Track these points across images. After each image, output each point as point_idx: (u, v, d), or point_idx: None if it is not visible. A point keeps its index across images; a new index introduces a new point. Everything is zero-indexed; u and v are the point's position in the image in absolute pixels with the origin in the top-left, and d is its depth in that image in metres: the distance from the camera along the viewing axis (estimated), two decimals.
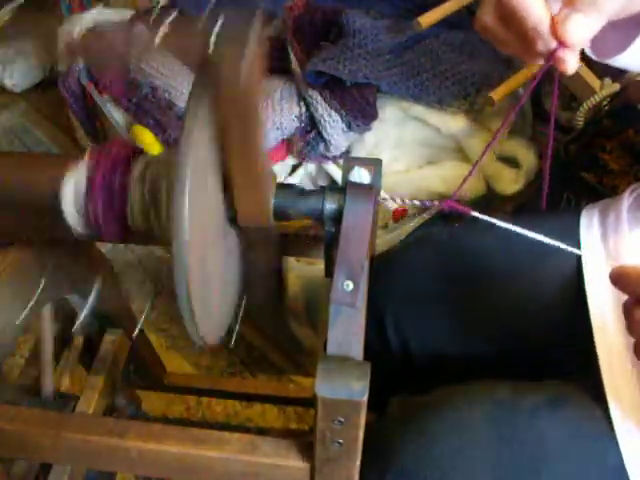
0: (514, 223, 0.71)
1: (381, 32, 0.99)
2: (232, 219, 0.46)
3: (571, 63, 0.40)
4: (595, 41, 0.49)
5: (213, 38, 0.36)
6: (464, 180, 0.45)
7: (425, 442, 0.54)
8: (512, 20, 0.39)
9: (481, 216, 0.44)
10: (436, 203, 0.46)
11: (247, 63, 0.34)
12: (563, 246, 0.45)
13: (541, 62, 0.41)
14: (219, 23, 0.35)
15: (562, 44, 0.38)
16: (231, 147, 0.39)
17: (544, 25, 0.38)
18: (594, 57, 0.50)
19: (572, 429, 0.52)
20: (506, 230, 0.68)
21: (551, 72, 0.51)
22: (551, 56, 0.39)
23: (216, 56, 0.35)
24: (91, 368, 0.77)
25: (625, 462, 0.50)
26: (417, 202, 0.46)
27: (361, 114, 0.97)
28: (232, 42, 0.35)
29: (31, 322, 0.65)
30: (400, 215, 1.01)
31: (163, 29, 0.39)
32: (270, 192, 0.45)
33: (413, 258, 0.71)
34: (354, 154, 1.04)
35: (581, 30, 0.37)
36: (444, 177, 1.05)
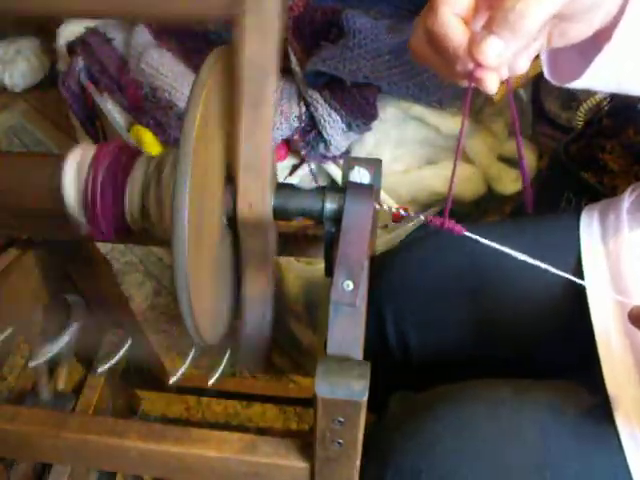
0: (514, 224, 0.71)
1: (381, 32, 0.99)
2: (232, 219, 0.46)
3: (490, 82, 0.41)
4: (552, 67, 0.51)
5: None
6: (450, 187, 0.45)
7: (425, 441, 0.54)
8: (436, 44, 0.41)
9: (473, 236, 0.45)
10: (421, 216, 0.46)
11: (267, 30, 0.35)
12: (549, 268, 0.45)
13: (465, 83, 0.43)
14: None
15: (478, 65, 0.40)
16: (239, 123, 0.39)
17: (462, 47, 0.40)
18: (555, 83, 0.51)
19: (574, 428, 0.52)
20: (506, 231, 0.69)
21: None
22: (470, 76, 0.41)
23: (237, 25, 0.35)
24: (91, 368, 0.77)
25: (629, 462, 0.50)
26: (403, 212, 0.46)
27: (361, 114, 0.97)
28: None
29: (31, 322, 0.65)
30: (400, 215, 1.01)
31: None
32: (271, 188, 0.45)
33: (413, 258, 0.71)
34: (354, 154, 1.04)
35: (495, 51, 0.39)
36: (444, 177, 1.05)
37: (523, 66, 0.45)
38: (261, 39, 0.37)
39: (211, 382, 0.54)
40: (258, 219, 0.45)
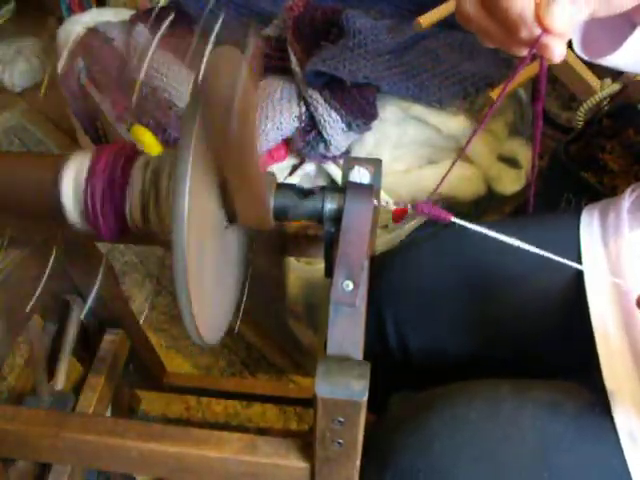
0: (514, 223, 0.71)
1: (381, 32, 0.99)
2: (232, 219, 0.46)
3: (557, 50, 0.39)
4: (586, 40, 0.49)
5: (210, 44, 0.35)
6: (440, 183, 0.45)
7: (425, 440, 0.54)
8: (495, 8, 0.39)
9: (460, 222, 0.44)
10: (409, 205, 0.46)
11: (241, 86, 0.34)
12: (542, 253, 0.45)
13: (526, 52, 0.40)
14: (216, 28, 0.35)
15: (546, 31, 0.37)
16: (226, 151, 0.39)
17: (528, 11, 0.37)
18: (585, 57, 0.49)
19: (574, 427, 0.52)
20: (506, 231, 0.68)
21: (550, 72, 0.51)
22: (535, 44, 0.38)
23: (208, 80, 0.35)
24: (91, 368, 0.77)
25: (627, 460, 0.50)
26: (392, 205, 0.46)
27: (361, 114, 0.97)
28: (225, 65, 0.34)
29: (31, 322, 0.65)
30: (400, 215, 1.01)
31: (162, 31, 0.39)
32: (269, 192, 0.45)
33: (413, 258, 0.71)
34: (354, 154, 1.04)
35: (566, 16, 0.37)
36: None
37: (570, 32, 0.41)
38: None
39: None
40: (258, 219, 0.45)
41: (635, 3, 0.41)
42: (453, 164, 0.44)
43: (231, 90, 0.34)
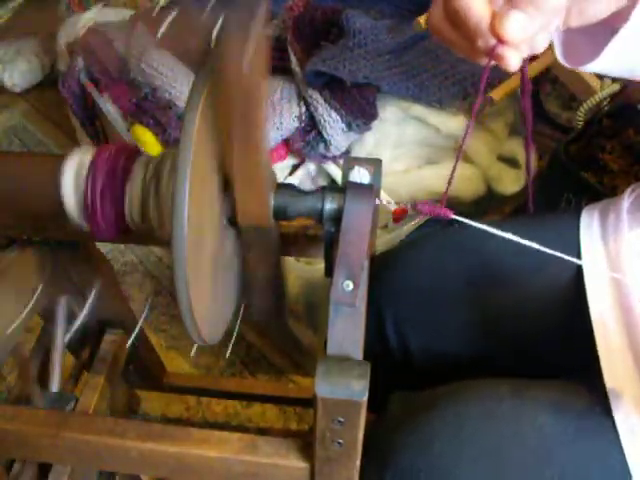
0: (514, 223, 0.71)
1: (381, 32, 0.99)
2: (232, 219, 0.46)
3: (512, 60, 0.40)
4: (569, 48, 0.50)
5: (215, 33, 0.35)
6: (448, 186, 0.45)
7: (425, 440, 0.54)
8: (456, 20, 0.40)
9: (460, 219, 0.44)
10: (408, 205, 0.46)
11: (250, 52, 0.34)
12: (539, 248, 0.45)
13: (485, 61, 0.42)
14: (221, 18, 0.35)
15: (500, 41, 0.39)
16: (232, 143, 0.39)
17: (484, 23, 0.39)
18: (568, 65, 0.50)
19: (574, 426, 0.52)
20: (506, 231, 0.68)
21: (551, 72, 0.51)
22: (491, 53, 0.40)
23: (219, 45, 0.35)
24: (91, 368, 0.77)
25: (627, 459, 0.50)
26: (393, 205, 0.46)
27: (361, 114, 0.97)
28: (235, 31, 0.34)
29: (31, 322, 0.65)
30: (400, 215, 1.01)
31: (164, 27, 0.39)
32: (270, 191, 0.45)
33: (413, 258, 0.71)
34: (354, 154, 1.04)
35: (518, 27, 0.38)
36: (444, 177, 1.05)
37: (542, 44, 0.43)
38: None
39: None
40: (258, 218, 0.45)
41: (609, 12, 0.42)
42: (455, 166, 0.44)
43: (240, 69, 0.34)
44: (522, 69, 0.47)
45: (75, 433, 0.52)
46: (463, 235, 0.69)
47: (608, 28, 0.44)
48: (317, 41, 1.02)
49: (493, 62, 0.41)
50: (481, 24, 0.39)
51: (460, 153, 0.44)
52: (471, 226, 0.45)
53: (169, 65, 1.08)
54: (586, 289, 0.58)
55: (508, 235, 0.44)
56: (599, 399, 0.52)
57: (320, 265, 0.55)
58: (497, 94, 0.97)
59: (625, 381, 0.52)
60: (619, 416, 0.51)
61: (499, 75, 0.99)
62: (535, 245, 0.44)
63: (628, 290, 0.56)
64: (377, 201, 0.46)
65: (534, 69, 1.00)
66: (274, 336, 1.25)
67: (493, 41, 0.39)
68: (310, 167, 1.06)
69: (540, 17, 0.38)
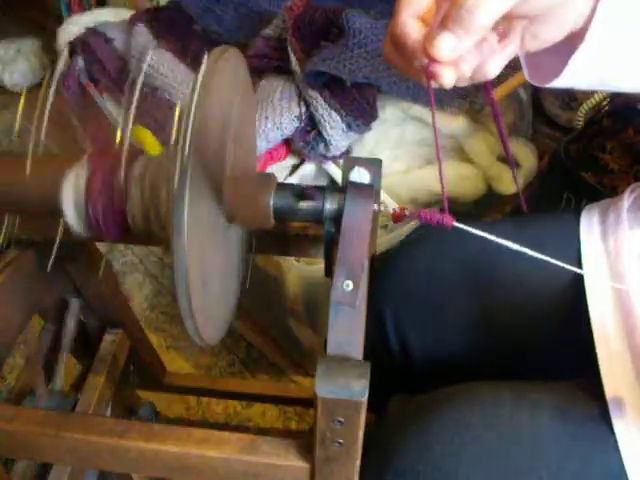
0: (514, 223, 0.71)
1: (381, 32, 0.99)
2: (232, 219, 0.46)
3: (445, 77, 0.43)
4: (531, 69, 0.51)
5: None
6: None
7: (425, 442, 0.54)
8: (398, 45, 0.44)
9: (462, 226, 0.45)
10: (407, 212, 0.46)
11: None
12: (540, 256, 0.45)
13: (425, 81, 0.44)
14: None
15: (432, 60, 0.42)
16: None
17: (418, 44, 0.42)
18: (535, 84, 0.51)
19: (573, 429, 0.52)
20: (506, 231, 0.69)
21: None
22: (426, 71, 0.43)
23: None
24: (91, 368, 0.77)
25: (625, 463, 0.50)
26: (391, 209, 0.46)
27: (361, 114, 0.97)
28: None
29: (31, 322, 0.65)
30: (400, 216, 1.01)
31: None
32: (269, 192, 0.45)
33: (413, 258, 0.71)
34: (354, 154, 1.04)
35: (447, 46, 0.40)
36: (444, 177, 1.05)
37: (493, 70, 0.46)
38: None
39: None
40: (258, 220, 0.45)
41: (564, 34, 0.44)
42: (441, 167, 0.45)
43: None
44: (489, 97, 0.49)
45: (75, 433, 0.52)
46: (463, 235, 0.69)
47: (571, 45, 0.45)
48: (317, 41, 1.02)
49: (433, 82, 0.44)
50: (415, 45, 0.42)
51: (439, 152, 0.45)
52: (472, 226, 0.45)
53: (169, 65, 1.08)
54: (586, 290, 0.58)
55: (508, 243, 0.45)
56: (598, 402, 0.52)
57: (320, 265, 0.55)
58: (497, 94, 0.97)
59: (624, 383, 0.52)
60: (617, 420, 0.51)
61: (498, 75, 0.99)
62: (538, 255, 0.45)
63: (628, 291, 0.56)
64: (378, 206, 0.46)
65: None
66: (274, 336, 1.25)
67: (426, 61, 0.42)
68: (310, 167, 1.06)
69: (468, 37, 0.40)
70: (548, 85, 0.50)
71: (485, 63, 0.45)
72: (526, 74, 0.52)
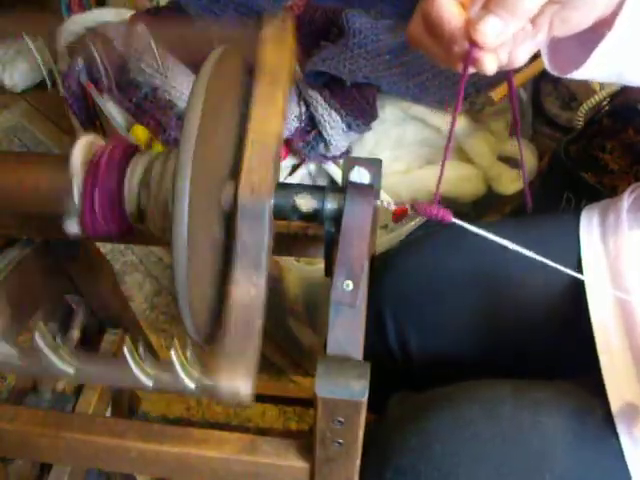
0: (514, 223, 0.71)
1: (381, 32, 0.99)
2: (232, 218, 0.46)
3: (487, 64, 0.41)
4: (555, 57, 0.50)
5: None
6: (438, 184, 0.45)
7: (425, 441, 0.54)
8: (434, 28, 0.42)
9: (461, 223, 0.45)
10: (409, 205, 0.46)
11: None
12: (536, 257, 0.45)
13: (461, 68, 0.43)
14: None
15: (475, 45, 0.40)
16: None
17: (459, 29, 0.40)
18: (555, 73, 0.50)
19: (574, 427, 0.52)
20: (506, 231, 0.69)
21: (550, 73, 0.51)
22: (467, 57, 0.41)
23: None
24: None
25: (627, 462, 0.50)
26: (392, 206, 0.46)
27: (361, 114, 0.97)
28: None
29: (30, 322, 0.65)
30: (400, 215, 1.01)
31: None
32: (277, 171, 0.45)
33: (413, 258, 0.71)
34: (354, 154, 1.04)
35: (492, 31, 0.39)
36: (444, 177, 1.05)
37: (523, 58, 0.45)
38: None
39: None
40: (258, 206, 0.44)
41: (593, 19, 0.43)
42: (444, 163, 0.44)
43: None
44: (509, 81, 0.47)
45: (75, 433, 0.52)
46: (463, 235, 0.69)
47: (596, 35, 0.45)
48: (317, 41, 1.02)
49: (472, 69, 0.42)
50: (456, 30, 0.40)
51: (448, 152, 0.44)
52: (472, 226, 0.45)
53: (169, 65, 1.08)
54: (586, 290, 0.58)
55: (506, 243, 0.45)
56: (599, 401, 0.52)
57: (320, 265, 0.55)
58: (497, 94, 0.97)
59: (624, 382, 0.52)
60: (619, 418, 0.51)
61: (498, 75, 0.99)
62: (538, 257, 0.44)
63: (628, 291, 0.56)
64: (377, 202, 0.46)
65: (534, 69, 1.00)
66: (274, 336, 1.25)
67: (467, 45, 0.40)
68: (310, 167, 1.06)
69: (515, 22, 0.39)
70: (568, 75, 0.49)
71: (514, 50, 0.44)
72: (546, 63, 0.51)
